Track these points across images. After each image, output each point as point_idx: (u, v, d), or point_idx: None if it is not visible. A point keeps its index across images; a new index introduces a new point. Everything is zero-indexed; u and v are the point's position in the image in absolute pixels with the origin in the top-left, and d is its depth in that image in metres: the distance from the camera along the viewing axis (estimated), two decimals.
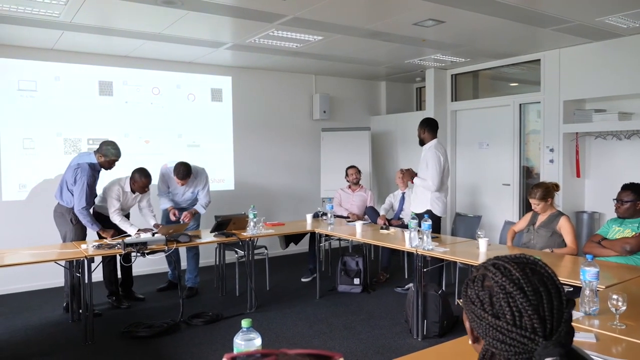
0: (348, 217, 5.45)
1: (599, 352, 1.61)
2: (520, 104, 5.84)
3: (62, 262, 3.71)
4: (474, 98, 6.55)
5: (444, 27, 4.39)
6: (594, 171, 5.36)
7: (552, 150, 5.37)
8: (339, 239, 5.48)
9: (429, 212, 4.30)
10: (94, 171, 4.17)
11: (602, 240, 3.17)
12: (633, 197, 3.13)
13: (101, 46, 5.02)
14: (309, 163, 6.89)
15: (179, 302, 4.00)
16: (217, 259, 4.98)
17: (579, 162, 5.33)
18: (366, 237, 4.30)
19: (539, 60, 5.52)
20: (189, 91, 5.99)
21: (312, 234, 4.86)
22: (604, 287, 2.34)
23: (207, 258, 5.36)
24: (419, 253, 3.53)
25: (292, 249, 5.33)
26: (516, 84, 6.38)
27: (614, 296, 1.88)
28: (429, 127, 4.54)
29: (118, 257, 4.24)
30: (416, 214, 3.93)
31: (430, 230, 3.56)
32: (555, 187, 3.56)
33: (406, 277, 5.26)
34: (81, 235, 4.18)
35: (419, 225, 3.61)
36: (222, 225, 4.34)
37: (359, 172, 5.74)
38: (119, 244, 3.72)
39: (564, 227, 3.41)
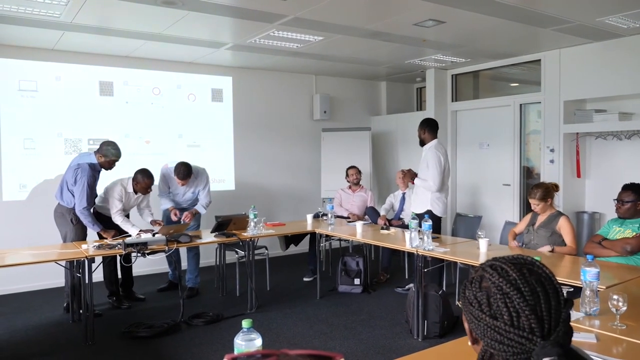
0: (348, 218, 5.45)
1: (600, 352, 1.61)
2: (520, 104, 5.84)
3: (63, 263, 3.72)
4: (474, 98, 6.55)
5: (444, 28, 4.39)
6: (594, 171, 5.36)
7: (552, 150, 5.37)
8: (340, 239, 5.49)
9: (430, 213, 4.30)
10: (94, 171, 4.17)
11: (602, 241, 3.17)
12: (633, 197, 3.13)
13: (102, 46, 5.03)
14: (310, 163, 6.89)
15: (179, 303, 4.00)
16: (218, 259, 4.99)
17: (579, 163, 5.33)
18: (366, 238, 4.30)
19: (539, 60, 5.52)
20: (189, 91, 6.00)
21: (313, 234, 4.86)
22: (604, 287, 2.34)
23: (208, 258, 5.36)
24: (420, 253, 3.53)
25: (293, 249, 5.33)
26: (516, 84, 6.38)
27: (615, 296, 1.88)
28: (429, 128, 4.54)
29: (118, 258, 4.24)
30: (416, 214, 3.93)
31: (431, 230, 3.56)
32: (555, 187, 3.57)
33: (406, 277, 5.26)
34: (81, 236, 4.19)
35: (420, 226, 3.60)
36: (222, 225, 4.34)
37: (359, 172, 5.75)
38: (120, 244, 3.73)
39: (564, 227, 3.41)
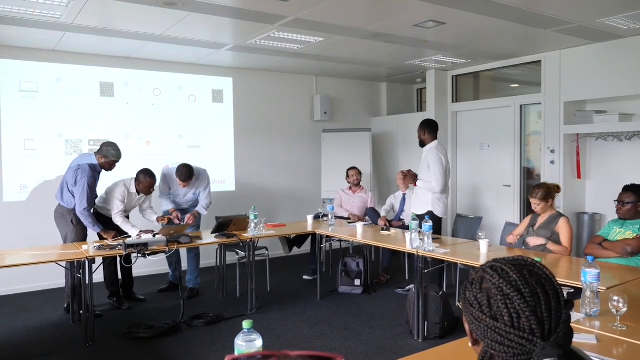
0: (349, 218, 5.45)
1: (600, 353, 1.61)
2: (521, 105, 5.84)
3: (63, 263, 3.72)
4: (474, 99, 6.56)
5: (444, 29, 4.40)
6: (594, 172, 5.36)
7: (552, 151, 5.37)
8: (340, 240, 5.49)
9: (430, 213, 4.30)
10: (94, 172, 4.17)
11: (603, 242, 3.16)
12: (634, 198, 3.13)
13: (102, 47, 5.03)
14: (310, 164, 6.89)
15: (179, 303, 4.00)
16: (218, 260, 4.99)
17: (579, 164, 5.33)
18: (367, 238, 4.30)
19: (539, 61, 5.52)
20: (190, 92, 6.00)
21: (314, 235, 4.86)
22: (605, 288, 2.34)
23: (208, 259, 5.37)
24: (420, 254, 3.53)
25: (294, 250, 5.33)
26: (517, 85, 6.38)
27: (615, 297, 1.88)
28: (430, 129, 4.54)
29: (119, 258, 4.24)
30: (417, 215, 3.93)
31: (431, 231, 3.56)
32: (556, 188, 3.56)
33: (407, 278, 5.26)
34: (82, 236, 4.19)
35: (420, 227, 3.60)
36: (223, 226, 4.34)
37: (359, 173, 5.75)
38: (120, 245, 3.73)
39: (562, 227, 3.40)
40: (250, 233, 4.32)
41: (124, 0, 3.51)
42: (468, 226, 5.04)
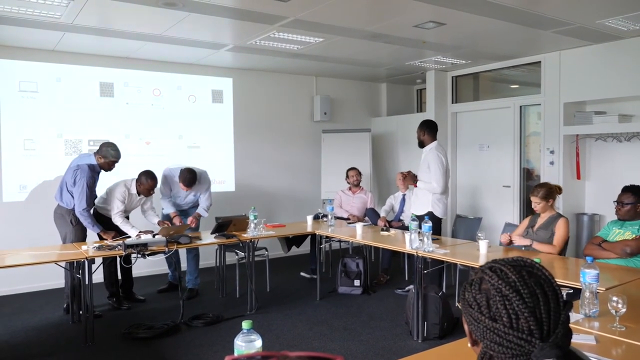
0: (348, 219, 5.45)
1: (599, 354, 1.61)
2: (520, 106, 5.85)
3: (63, 264, 3.72)
4: (474, 100, 6.56)
5: (444, 29, 4.40)
6: (594, 173, 5.36)
7: (552, 152, 5.37)
8: (340, 241, 5.49)
9: (430, 214, 4.30)
10: (93, 172, 4.17)
11: (602, 243, 3.17)
12: (633, 199, 3.13)
13: (102, 47, 5.04)
14: (310, 165, 6.89)
15: (179, 304, 4.00)
16: (218, 261, 4.99)
17: (579, 164, 5.33)
18: (366, 239, 4.30)
19: (539, 62, 5.53)
20: (189, 92, 6.00)
21: (313, 235, 4.86)
22: (604, 289, 2.34)
23: (208, 259, 5.37)
24: (420, 255, 3.53)
25: (293, 250, 5.33)
26: (517, 86, 6.39)
27: (614, 298, 1.88)
28: (429, 129, 4.54)
29: (118, 259, 4.24)
30: (417, 216, 3.93)
31: (431, 232, 3.56)
32: (558, 189, 3.56)
33: (406, 278, 5.26)
34: (81, 237, 4.19)
35: (420, 227, 3.61)
36: (222, 226, 4.34)
37: (359, 173, 5.75)
38: (120, 245, 3.73)
39: (559, 226, 3.39)
40: (249, 233, 4.32)
41: (124, 0, 3.51)
42: (467, 227, 5.04)
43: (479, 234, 3.56)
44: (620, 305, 1.87)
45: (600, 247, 3.14)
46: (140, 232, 4.16)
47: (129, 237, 4.09)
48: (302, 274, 5.47)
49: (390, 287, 4.99)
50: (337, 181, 6.19)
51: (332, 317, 4.15)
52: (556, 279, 0.95)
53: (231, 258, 5.01)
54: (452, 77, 6.61)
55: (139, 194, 4.34)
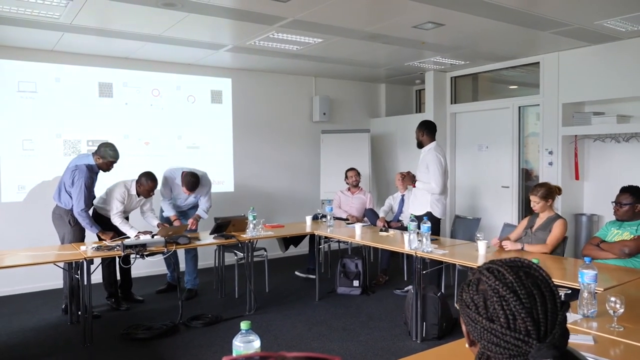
0: (347, 219, 5.45)
1: (597, 354, 1.61)
2: (519, 107, 5.85)
3: (61, 264, 3.71)
4: (473, 100, 6.57)
5: (443, 30, 4.40)
6: (592, 174, 5.37)
7: (551, 152, 5.38)
8: (339, 241, 5.49)
9: (429, 214, 4.30)
10: (91, 173, 4.16)
11: (600, 243, 3.17)
12: (632, 199, 3.14)
13: (101, 48, 5.03)
14: (309, 165, 6.90)
15: (178, 304, 4.00)
16: (217, 261, 4.98)
17: (577, 165, 5.34)
18: (365, 239, 4.31)
19: (538, 63, 5.53)
20: (188, 93, 6.00)
21: (312, 236, 4.86)
22: (602, 289, 2.35)
23: (207, 260, 5.36)
24: (418, 255, 3.53)
25: (292, 250, 5.33)
26: (515, 87, 6.40)
27: (612, 298, 1.89)
28: (428, 130, 4.54)
29: (117, 259, 4.24)
30: (415, 216, 3.93)
31: (430, 232, 3.56)
32: (557, 190, 3.56)
33: (405, 279, 5.26)
34: (79, 237, 4.18)
35: (419, 228, 3.61)
36: (221, 227, 4.34)
37: (358, 174, 5.75)
38: (118, 245, 3.73)
39: (556, 227, 3.39)
40: (248, 234, 4.32)
41: (123, 0, 3.51)
42: (466, 227, 5.04)
43: (478, 235, 3.56)
44: (618, 306, 1.88)
45: (599, 247, 3.15)
46: (139, 232, 4.16)
47: (128, 237, 4.08)
48: (296, 272, 5.47)
49: (389, 288, 4.99)
50: (336, 182, 6.19)
51: (331, 317, 4.15)
52: (554, 279, 0.95)
53: (230, 258, 5.00)
54: (451, 77, 6.62)
55: (138, 195, 4.33)
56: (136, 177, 4.33)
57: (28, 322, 4.12)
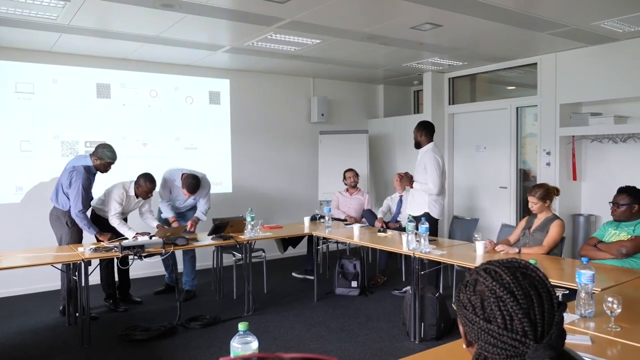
0: (346, 220, 5.45)
1: (595, 354, 1.62)
2: (517, 107, 5.87)
3: (59, 265, 3.70)
4: (471, 101, 6.58)
5: (441, 31, 4.41)
6: (590, 174, 5.39)
7: (548, 153, 5.39)
8: (337, 242, 5.49)
9: (427, 215, 4.31)
10: (89, 174, 4.16)
11: (598, 243, 3.18)
12: (629, 200, 3.15)
13: (99, 49, 5.03)
14: (307, 166, 6.90)
15: (176, 305, 4.00)
16: (215, 262, 4.98)
17: (575, 165, 5.35)
18: (364, 240, 4.31)
19: (535, 64, 5.55)
20: (186, 94, 6.00)
21: (310, 236, 4.85)
22: (599, 289, 2.35)
23: (205, 261, 5.36)
24: (416, 256, 3.53)
25: (290, 251, 5.33)
26: (513, 88, 6.41)
27: (610, 299, 1.89)
28: (427, 131, 4.55)
29: (115, 260, 4.23)
30: (413, 217, 3.94)
31: (428, 233, 3.57)
32: (556, 191, 3.56)
33: (403, 279, 5.26)
34: (77, 239, 4.17)
35: (417, 228, 3.61)
36: (219, 228, 4.33)
37: (356, 175, 5.76)
38: (116, 246, 3.72)
39: (553, 227, 3.39)
40: (246, 235, 4.32)
41: (120, 1, 3.51)
42: (464, 228, 5.05)
43: (476, 235, 3.57)
44: (615, 306, 1.88)
45: (596, 247, 3.16)
46: (137, 233, 4.15)
47: (126, 238, 4.08)
48: (293, 274, 5.47)
49: (387, 288, 4.99)
50: (335, 182, 6.20)
51: (329, 318, 4.15)
52: (552, 280, 0.95)
53: (228, 259, 5.00)
54: (449, 78, 6.63)
55: (137, 196, 4.32)
56: (135, 179, 4.32)
57: (26, 323, 4.11)
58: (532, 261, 1.00)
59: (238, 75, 6.31)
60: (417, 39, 4.71)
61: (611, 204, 3.24)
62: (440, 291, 4.02)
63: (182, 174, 4.55)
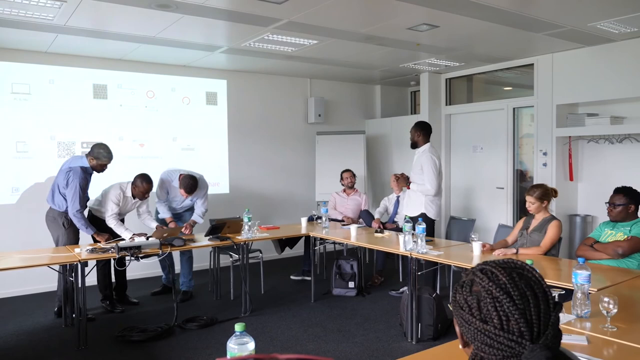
0: (343, 221, 5.45)
1: (591, 354, 1.62)
2: (514, 108, 5.88)
3: (56, 266, 3.69)
4: (468, 102, 6.59)
5: (438, 32, 4.42)
6: (586, 174, 5.41)
7: (545, 153, 5.41)
8: (334, 243, 5.49)
9: (424, 215, 4.31)
10: (85, 174, 4.14)
11: (594, 244, 3.19)
12: (625, 200, 3.16)
13: (95, 49, 5.01)
14: (304, 167, 6.90)
15: (173, 306, 3.99)
16: (212, 263, 4.97)
17: (571, 166, 5.37)
18: (361, 241, 4.31)
19: (532, 64, 5.56)
20: (183, 94, 5.99)
21: (307, 237, 4.85)
22: (595, 290, 2.36)
23: (202, 262, 5.35)
24: (413, 256, 3.54)
25: (287, 252, 5.32)
26: (510, 88, 6.43)
27: (606, 299, 1.90)
28: (424, 131, 4.56)
29: (112, 261, 4.22)
30: (410, 217, 3.94)
31: (425, 233, 3.57)
32: (554, 192, 3.57)
33: (401, 280, 5.27)
34: (73, 239, 4.16)
35: (413, 229, 3.62)
36: (216, 228, 4.33)
37: (353, 175, 5.76)
38: (113, 247, 3.71)
39: (550, 228, 3.40)
40: (244, 235, 4.32)
41: (117, 2, 3.50)
42: (461, 228, 5.05)
43: (473, 236, 3.58)
44: (611, 306, 1.89)
45: (593, 248, 3.17)
46: (134, 234, 4.14)
47: (123, 239, 4.07)
48: (291, 277, 5.46)
49: (384, 289, 4.99)
50: (332, 183, 6.20)
51: (326, 319, 4.14)
52: (548, 280, 0.96)
53: (225, 260, 5.00)
54: (446, 79, 6.64)
55: (134, 196, 4.32)
56: (132, 179, 4.31)
57: (22, 325, 4.09)
58: (528, 262, 1.00)
59: (235, 76, 6.30)
60: (414, 39, 4.71)
61: (607, 205, 3.25)
62: (437, 292, 4.03)
63: (180, 175, 4.54)
